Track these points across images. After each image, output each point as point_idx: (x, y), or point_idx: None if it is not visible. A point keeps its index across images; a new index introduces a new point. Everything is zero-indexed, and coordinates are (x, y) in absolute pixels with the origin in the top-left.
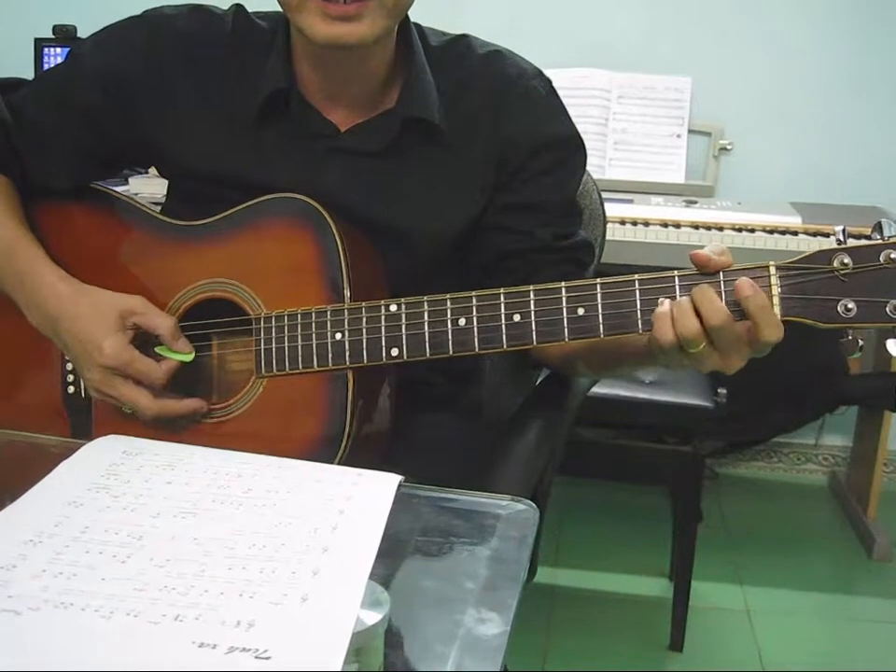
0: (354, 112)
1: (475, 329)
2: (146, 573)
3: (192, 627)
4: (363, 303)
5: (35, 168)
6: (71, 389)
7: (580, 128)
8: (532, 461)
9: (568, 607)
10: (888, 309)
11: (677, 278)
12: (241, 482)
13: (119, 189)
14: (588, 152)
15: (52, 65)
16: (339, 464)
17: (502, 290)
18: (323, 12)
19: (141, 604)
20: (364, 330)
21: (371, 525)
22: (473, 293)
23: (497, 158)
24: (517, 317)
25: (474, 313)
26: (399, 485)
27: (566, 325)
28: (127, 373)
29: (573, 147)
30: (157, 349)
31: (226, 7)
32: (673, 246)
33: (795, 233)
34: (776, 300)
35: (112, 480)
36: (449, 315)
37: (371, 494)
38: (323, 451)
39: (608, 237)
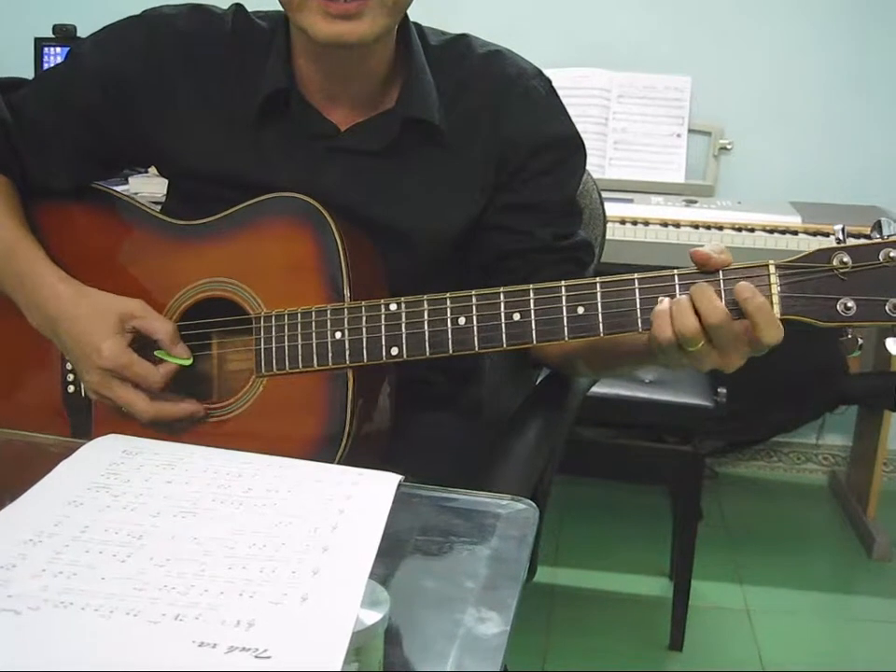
0: (354, 112)
1: (475, 328)
2: (145, 572)
3: (192, 627)
4: (363, 302)
5: (35, 168)
6: (71, 389)
7: (580, 128)
8: (532, 460)
9: (568, 606)
10: (887, 307)
11: (676, 277)
12: (241, 481)
13: (119, 188)
14: (588, 152)
15: (52, 65)
16: (339, 463)
17: (502, 289)
18: (324, 10)
19: (141, 603)
20: (364, 329)
21: (371, 525)
22: (473, 292)
23: (497, 158)
24: (517, 316)
25: (474, 312)
26: (399, 485)
27: (565, 324)
28: (125, 376)
29: (573, 147)
30: (156, 352)
31: (226, 7)
32: (673, 246)
33: (795, 233)
34: (775, 298)
35: (112, 479)
36: (449, 315)
37: (371, 493)
38: (323, 450)
39: (608, 237)
